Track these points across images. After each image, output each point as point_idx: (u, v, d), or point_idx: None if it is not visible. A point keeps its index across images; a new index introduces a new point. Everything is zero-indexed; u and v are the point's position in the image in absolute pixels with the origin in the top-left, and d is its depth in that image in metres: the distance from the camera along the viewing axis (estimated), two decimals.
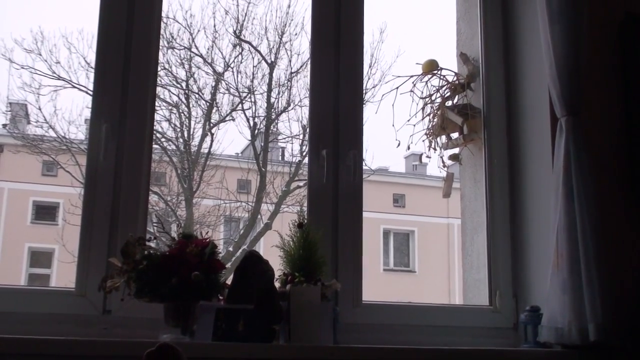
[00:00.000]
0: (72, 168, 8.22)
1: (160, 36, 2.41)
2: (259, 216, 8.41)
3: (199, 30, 8.68)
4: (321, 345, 1.96)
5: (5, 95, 9.60)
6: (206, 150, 8.59)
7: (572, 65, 2.24)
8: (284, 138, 9.01)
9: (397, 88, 2.74)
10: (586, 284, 2.08)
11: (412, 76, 2.79)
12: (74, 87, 8.11)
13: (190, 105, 8.58)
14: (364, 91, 2.56)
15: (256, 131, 8.63)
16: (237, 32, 8.61)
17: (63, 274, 9.55)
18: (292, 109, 8.55)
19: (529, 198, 2.47)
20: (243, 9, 8.62)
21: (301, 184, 8.25)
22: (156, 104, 2.35)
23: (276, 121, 8.77)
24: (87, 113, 8.06)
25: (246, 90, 8.59)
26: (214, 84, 8.61)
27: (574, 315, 2.08)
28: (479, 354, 2.13)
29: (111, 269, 1.93)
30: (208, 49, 8.59)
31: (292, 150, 8.99)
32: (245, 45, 8.61)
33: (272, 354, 1.90)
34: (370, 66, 8.43)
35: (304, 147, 8.33)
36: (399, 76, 2.78)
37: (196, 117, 8.60)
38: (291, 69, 8.58)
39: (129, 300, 1.91)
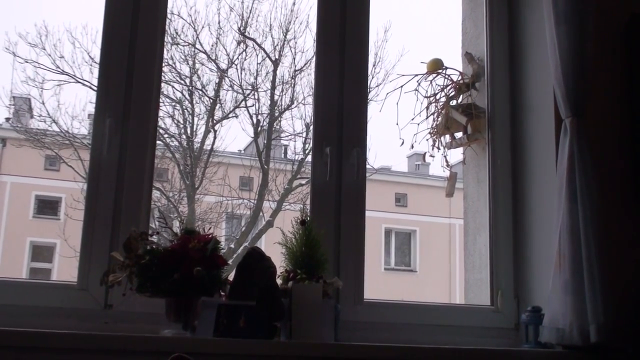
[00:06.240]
0: (75, 163, 8.23)
1: (165, 32, 2.41)
2: (261, 214, 8.41)
3: (203, 27, 8.68)
4: (322, 342, 1.96)
5: (8, 89, 9.61)
6: (209, 147, 8.60)
7: (577, 66, 2.23)
8: (287, 136, 9.02)
9: (401, 87, 2.75)
10: (588, 285, 2.08)
11: (416, 75, 2.79)
12: (78, 82, 8.11)
13: (194, 102, 8.58)
14: (368, 90, 2.56)
15: (259, 128, 8.63)
16: (241, 29, 8.61)
17: (64, 269, 9.57)
18: (295, 106, 8.55)
19: (532, 199, 2.47)
20: (248, 6, 8.62)
21: (303, 182, 8.25)
22: (160, 100, 2.35)
23: (279, 119, 8.77)
24: (91, 108, 8.09)
25: (250, 87, 8.59)
26: (217, 80, 8.61)
27: (575, 316, 2.08)
28: (480, 353, 2.13)
29: (113, 264, 1.93)
30: (212, 45, 8.59)
31: (294, 148, 8.99)
32: (250, 43, 8.62)
33: (273, 351, 1.90)
34: (374, 65, 8.43)
35: (307, 145, 8.33)
36: (403, 75, 2.78)
37: (199, 114, 8.61)
38: (295, 66, 8.58)
39: (131, 295, 1.91)
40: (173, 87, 8.39)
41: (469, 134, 2.66)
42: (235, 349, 1.86)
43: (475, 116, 2.64)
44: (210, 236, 1.95)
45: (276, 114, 8.69)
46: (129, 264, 1.87)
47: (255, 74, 8.56)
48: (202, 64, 8.54)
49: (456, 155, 2.84)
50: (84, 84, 8.15)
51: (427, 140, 2.75)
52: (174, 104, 8.44)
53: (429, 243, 15.01)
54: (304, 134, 8.46)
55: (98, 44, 2.31)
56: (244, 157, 9.53)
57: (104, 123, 2.16)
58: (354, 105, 2.42)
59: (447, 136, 2.75)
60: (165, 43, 2.41)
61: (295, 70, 8.59)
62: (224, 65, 8.59)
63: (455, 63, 2.81)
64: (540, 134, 2.46)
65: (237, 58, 8.55)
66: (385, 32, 10.05)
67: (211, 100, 8.60)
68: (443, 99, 2.77)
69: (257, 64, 8.55)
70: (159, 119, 2.37)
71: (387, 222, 14.53)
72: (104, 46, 2.25)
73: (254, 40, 8.63)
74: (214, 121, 8.59)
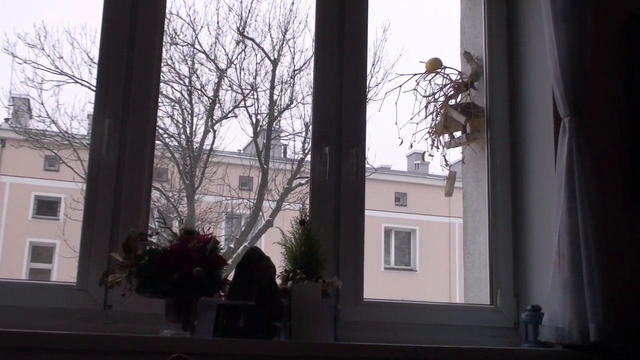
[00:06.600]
0: (74, 163, 8.23)
1: (164, 32, 2.40)
2: (261, 213, 8.42)
3: (202, 27, 8.69)
4: (322, 342, 1.96)
5: (7, 89, 9.60)
6: (208, 147, 8.60)
7: (576, 65, 2.24)
8: (286, 135, 9.03)
9: (400, 86, 2.74)
10: (587, 284, 2.08)
11: (415, 74, 2.79)
12: (77, 82, 8.11)
13: (193, 102, 8.58)
14: (367, 89, 2.56)
15: (258, 128, 8.63)
16: (240, 28, 8.61)
17: (64, 269, 9.57)
18: (294, 106, 8.56)
19: (531, 198, 2.47)
20: (246, 6, 8.62)
21: (303, 181, 8.25)
22: (159, 100, 2.35)
23: (279, 118, 8.77)
24: (90, 108, 8.07)
25: (249, 87, 8.59)
26: (216, 80, 8.61)
27: (574, 315, 2.08)
28: (480, 352, 2.13)
29: (112, 264, 1.93)
30: (211, 45, 8.59)
31: (294, 147, 8.99)
32: (249, 42, 8.62)
33: (273, 351, 1.90)
34: (373, 64, 8.43)
35: (306, 145, 8.33)
36: (402, 74, 2.78)
37: (199, 114, 8.61)
38: (294, 66, 8.58)
39: (130, 295, 1.91)
40: (172, 87, 8.40)
41: (468, 133, 2.66)
42: (235, 349, 1.86)
43: (474, 115, 2.64)
44: (209, 236, 1.95)
45: (275, 114, 8.69)
46: (128, 264, 1.87)
47: (254, 74, 8.57)
48: (201, 64, 8.55)
49: (455, 154, 2.84)
50: (83, 85, 8.16)
51: (426, 139, 2.75)
52: (173, 104, 8.44)
53: (428, 242, 15.02)
54: (304, 134, 8.47)
55: (97, 44, 2.31)
56: (244, 157, 9.54)
57: (103, 123, 2.16)
58: (353, 104, 2.41)
59: (446, 135, 2.75)
60: (164, 43, 2.41)
61: (294, 70, 8.59)
62: (223, 65, 8.60)
63: (454, 62, 2.82)
64: (539, 132, 2.46)
65: (236, 58, 8.56)
66: (384, 32, 10.04)
67: (210, 100, 8.60)
68: (442, 99, 2.77)
69: (256, 63, 8.56)
70: (158, 119, 2.37)
71: (386, 221, 14.53)
72: (102, 46, 2.25)
73: (252, 40, 8.63)
74: (213, 121, 8.60)
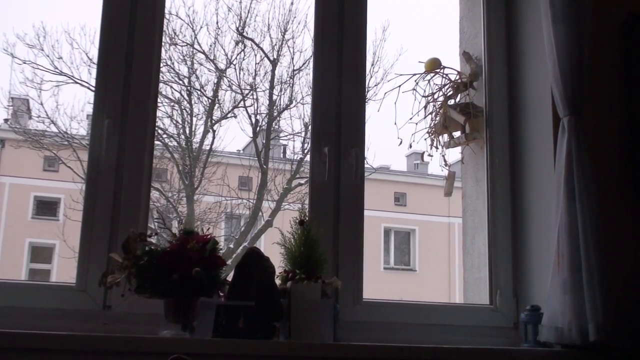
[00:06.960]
0: (74, 163, 8.23)
1: (163, 32, 2.40)
2: (260, 213, 8.42)
3: (201, 27, 8.70)
4: (321, 342, 1.96)
5: (7, 90, 9.60)
6: (208, 147, 8.60)
7: (575, 65, 2.23)
8: (286, 135, 9.03)
9: (399, 86, 2.74)
10: (587, 284, 2.08)
11: (414, 74, 2.79)
12: (76, 82, 8.12)
13: (192, 102, 8.59)
14: (366, 89, 2.56)
15: (258, 128, 8.63)
16: (239, 29, 8.61)
17: (63, 270, 9.56)
18: (294, 106, 8.56)
19: (530, 197, 2.47)
20: (246, 6, 8.63)
21: (302, 181, 8.25)
22: (158, 100, 2.35)
23: (278, 118, 8.78)
24: (89, 109, 8.08)
25: (248, 87, 8.59)
26: (216, 80, 8.61)
27: (574, 315, 2.08)
28: (479, 352, 2.13)
29: (112, 265, 1.93)
30: (210, 45, 8.60)
31: (293, 147, 8.99)
32: (248, 42, 8.62)
33: (272, 351, 1.90)
34: (372, 64, 8.44)
35: (306, 145, 8.33)
36: (401, 74, 2.78)
37: (198, 114, 8.61)
38: (293, 66, 8.59)
39: (130, 296, 1.91)
40: (172, 87, 8.40)
41: (467, 133, 2.66)
42: (234, 349, 1.86)
43: (473, 115, 2.64)
44: (208, 236, 1.95)
45: (275, 114, 8.69)
46: (127, 264, 1.87)
47: (253, 74, 8.57)
48: (201, 64, 8.55)
49: (454, 154, 2.85)
50: (82, 85, 8.17)
51: (425, 139, 2.75)
52: (172, 104, 8.44)
53: (428, 242, 15.02)
54: (303, 134, 8.47)
55: (96, 45, 2.31)
56: (243, 157, 9.54)
57: (102, 124, 2.16)
58: (352, 104, 2.41)
59: (446, 135, 2.75)
60: (163, 43, 2.41)
61: (293, 70, 8.60)
62: (222, 65, 8.60)
63: (453, 62, 2.82)
64: (538, 132, 2.46)
65: (236, 58, 8.56)
66: (384, 32, 10.04)
67: (210, 100, 8.61)
68: (441, 99, 2.77)
69: (256, 63, 8.57)
70: (157, 119, 2.37)
71: (386, 221, 14.54)
72: (101, 47, 2.25)
73: (252, 40, 8.63)
74: (213, 121, 8.60)
